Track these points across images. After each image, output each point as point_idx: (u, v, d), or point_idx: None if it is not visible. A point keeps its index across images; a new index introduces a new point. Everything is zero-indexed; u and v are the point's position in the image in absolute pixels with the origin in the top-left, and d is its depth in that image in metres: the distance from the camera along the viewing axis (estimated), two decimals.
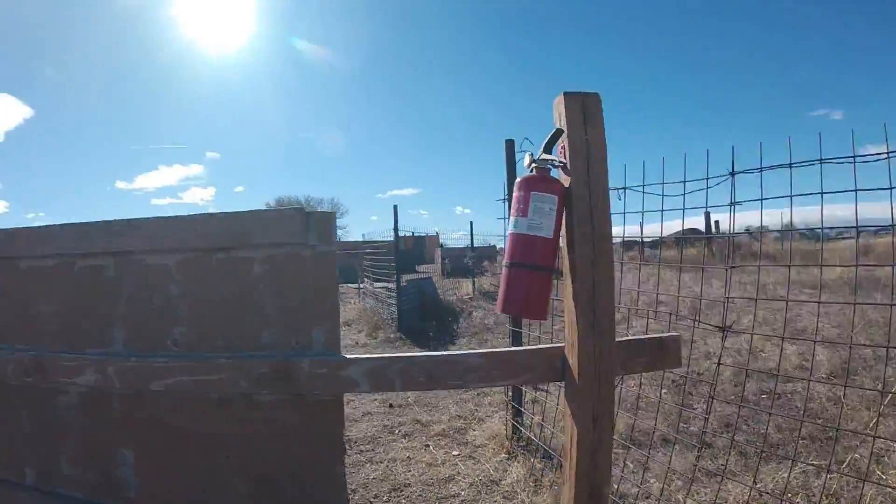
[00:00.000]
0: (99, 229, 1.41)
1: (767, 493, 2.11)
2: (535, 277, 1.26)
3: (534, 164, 1.28)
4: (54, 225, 1.48)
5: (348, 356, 1.29)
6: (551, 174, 1.26)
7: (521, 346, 2.47)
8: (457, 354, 1.30)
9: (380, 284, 9.16)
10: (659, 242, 2.47)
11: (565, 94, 1.19)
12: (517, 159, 2.67)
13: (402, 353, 1.32)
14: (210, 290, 1.35)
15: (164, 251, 1.37)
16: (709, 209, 2.03)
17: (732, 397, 3.29)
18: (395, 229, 7.91)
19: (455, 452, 2.79)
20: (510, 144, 2.73)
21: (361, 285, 10.64)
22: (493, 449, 2.74)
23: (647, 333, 1.48)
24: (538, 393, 2.79)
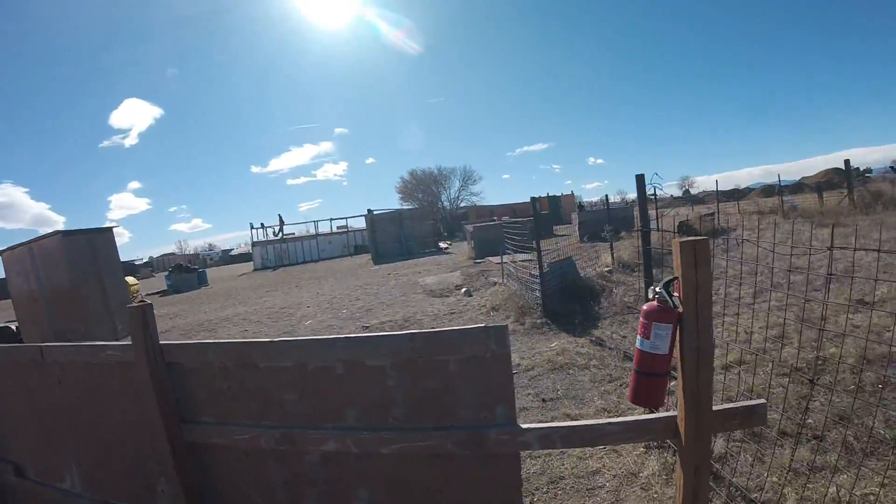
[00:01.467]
0: (327, 344, 1.98)
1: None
2: (655, 382, 1.86)
3: (656, 297, 1.79)
4: (289, 341, 2.03)
5: (523, 426, 1.84)
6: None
7: None
8: (599, 424, 1.82)
9: (522, 257, 10.18)
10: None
11: (681, 242, 1.65)
12: (647, 191, 3.34)
13: (561, 424, 1.86)
14: (418, 381, 1.90)
15: (382, 356, 1.91)
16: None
17: (852, 386, 3.32)
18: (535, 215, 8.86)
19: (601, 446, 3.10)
20: (640, 178, 3.38)
21: (505, 260, 10.93)
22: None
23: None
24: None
